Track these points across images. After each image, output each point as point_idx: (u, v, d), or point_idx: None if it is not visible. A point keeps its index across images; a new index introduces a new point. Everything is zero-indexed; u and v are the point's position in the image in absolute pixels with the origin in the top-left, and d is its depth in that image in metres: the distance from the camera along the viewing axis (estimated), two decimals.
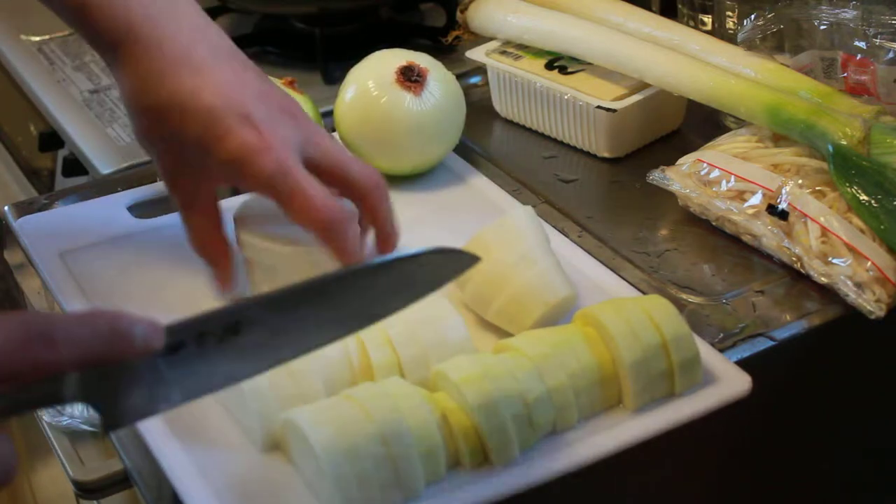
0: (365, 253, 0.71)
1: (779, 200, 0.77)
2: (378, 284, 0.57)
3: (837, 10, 0.88)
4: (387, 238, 0.73)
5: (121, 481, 0.71)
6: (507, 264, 0.71)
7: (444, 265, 0.59)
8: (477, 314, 0.73)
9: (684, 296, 0.77)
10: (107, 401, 0.53)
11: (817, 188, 0.78)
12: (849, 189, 0.76)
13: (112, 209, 0.86)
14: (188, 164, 0.71)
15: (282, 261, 0.73)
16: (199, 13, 0.74)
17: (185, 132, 0.69)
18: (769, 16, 0.91)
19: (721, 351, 0.71)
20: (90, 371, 0.51)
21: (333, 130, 0.88)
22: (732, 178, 0.80)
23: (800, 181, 0.78)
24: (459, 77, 0.91)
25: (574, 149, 0.95)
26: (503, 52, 0.97)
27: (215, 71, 0.70)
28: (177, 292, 0.77)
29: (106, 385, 0.52)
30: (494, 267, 0.71)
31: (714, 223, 0.83)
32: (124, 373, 0.53)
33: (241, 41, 1.13)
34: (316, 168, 0.70)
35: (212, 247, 0.74)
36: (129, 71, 0.71)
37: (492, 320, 0.72)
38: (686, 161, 0.84)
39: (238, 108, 0.69)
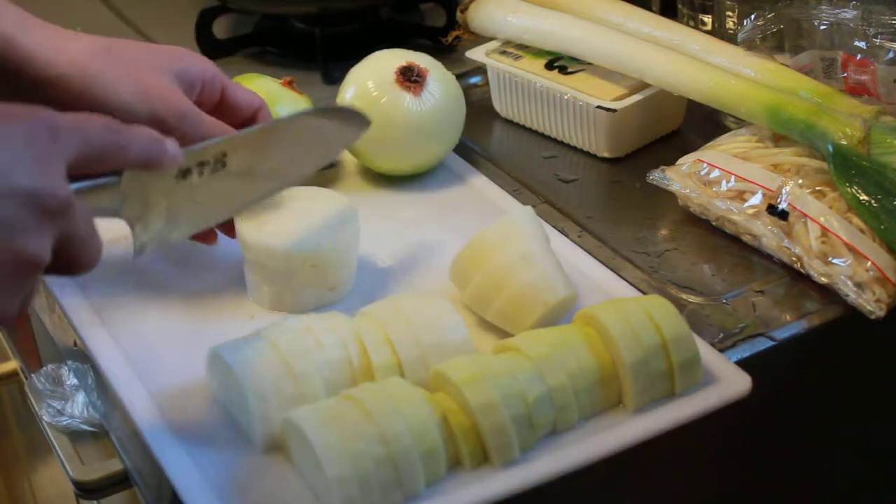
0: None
1: (779, 200, 0.77)
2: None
3: (837, 10, 0.88)
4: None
5: (121, 481, 0.71)
6: (507, 264, 0.71)
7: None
8: (477, 314, 0.73)
9: (684, 296, 0.77)
10: (140, 220, 0.65)
11: (817, 188, 0.78)
12: (849, 189, 0.76)
13: None
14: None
15: (280, 261, 0.73)
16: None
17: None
18: (769, 16, 0.91)
19: (721, 351, 0.71)
20: (136, 181, 0.62)
21: None
22: (732, 178, 0.80)
23: (800, 181, 0.78)
24: (459, 77, 0.91)
25: (574, 149, 0.95)
26: (503, 52, 0.97)
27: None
28: (177, 293, 0.77)
29: (142, 202, 0.64)
30: (494, 267, 0.71)
31: (714, 223, 0.83)
32: (154, 193, 0.64)
33: (241, 41, 1.13)
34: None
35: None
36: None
37: (492, 320, 0.72)
38: (686, 161, 0.84)
39: None
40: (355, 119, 0.74)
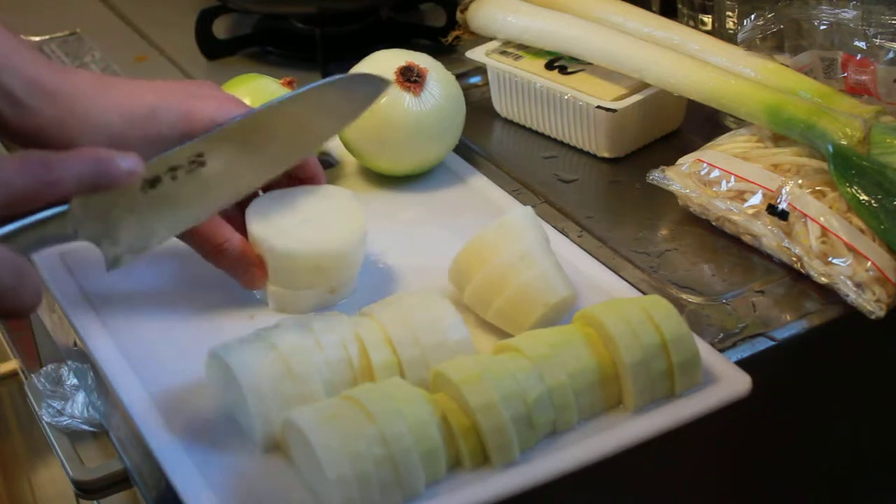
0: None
1: (779, 200, 0.77)
2: (306, 111, 0.70)
3: (837, 10, 0.88)
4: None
5: (121, 481, 0.71)
6: (507, 265, 0.71)
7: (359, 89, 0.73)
8: (477, 314, 0.73)
9: (684, 296, 0.77)
10: (105, 237, 0.64)
11: (817, 188, 0.78)
12: (849, 189, 0.76)
13: None
14: None
15: (284, 260, 0.73)
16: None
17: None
18: (769, 16, 0.91)
19: (721, 351, 0.71)
20: (88, 206, 0.61)
21: None
22: (732, 178, 0.80)
23: (800, 181, 0.78)
24: (459, 77, 0.91)
25: (574, 149, 0.95)
26: (503, 52, 0.97)
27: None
28: (177, 292, 0.77)
29: (102, 221, 0.63)
30: (494, 267, 0.71)
31: (714, 223, 0.83)
32: (116, 208, 0.63)
33: (241, 41, 1.13)
34: None
35: (219, 255, 0.73)
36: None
37: (491, 321, 0.72)
38: (686, 161, 0.84)
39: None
40: (365, 85, 0.74)
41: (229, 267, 0.73)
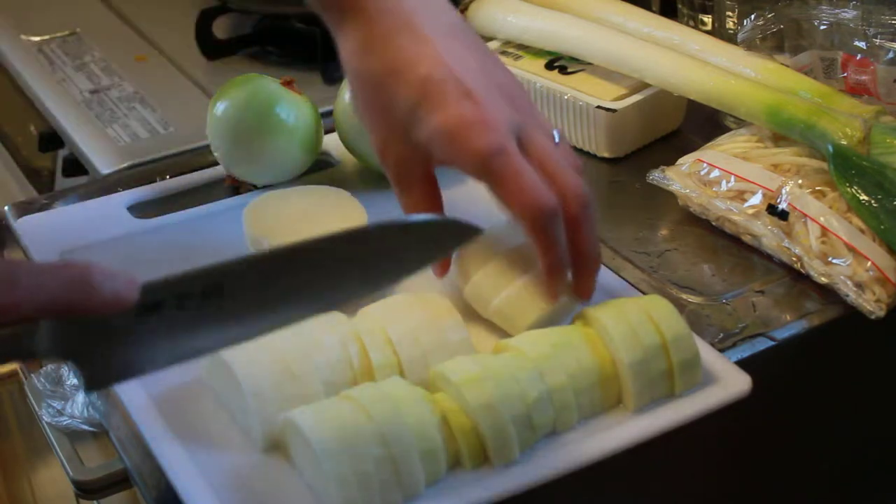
0: (568, 259, 0.67)
1: (779, 200, 0.77)
2: (377, 250, 0.55)
3: (837, 10, 0.88)
4: (581, 257, 0.68)
5: (121, 481, 0.71)
6: (507, 265, 0.71)
7: (446, 235, 0.58)
8: (476, 315, 0.73)
9: (684, 296, 0.77)
10: (86, 358, 0.52)
11: (817, 188, 0.78)
12: (849, 189, 0.76)
13: (112, 209, 0.86)
14: (401, 137, 0.68)
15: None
16: None
17: (399, 100, 0.66)
18: (769, 16, 0.91)
19: (721, 351, 0.71)
20: (64, 325, 0.50)
21: (333, 131, 0.88)
22: (732, 178, 0.80)
23: (800, 181, 0.78)
24: None
25: (574, 149, 0.94)
26: (503, 52, 0.97)
27: (437, 42, 0.67)
28: None
29: (83, 341, 0.51)
30: (495, 267, 0.71)
31: (714, 223, 0.83)
32: (101, 329, 0.51)
33: (241, 41, 1.13)
34: (524, 157, 0.66)
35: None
36: (351, 36, 0.69)
37: (490, 318, 0.72)
38: (686, 161, 0.84)
39: (457, 81, 0.65)
40: (450, 232, 0.59)
41: None
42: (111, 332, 0.52)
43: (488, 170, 0.65)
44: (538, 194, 0.64)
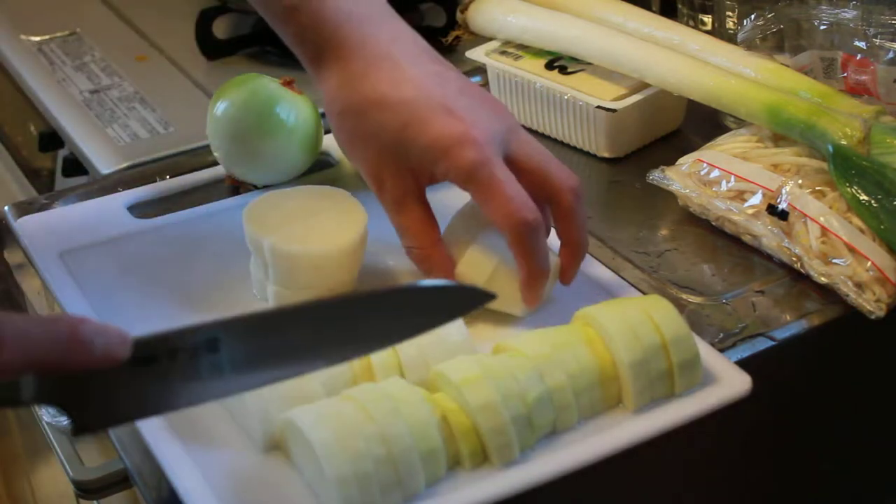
0: (549, 267, 0.70)
1: (779, 200, 0.77)
2: (382, 310, 0.56)
3: (837, 10, 0.88)
4: (575, 246, 0.72)
5: (121, 481, 0.70)
6: (488, 247, 0.72)
7: (456, 300, 0.58)
8: (476, 315, 0.73)
9: (684, 296, 0.77)
10: (73, 405, 0.51)
11: (817, 188, 0.78)
12: (849, 189, 0.76)
13: (112, 209, 0.86)
14: (392, 161, 0.71)
15: (284, 260, 0.73)
16: (395, 16, 0.75)
17: (386, 126, 0.69)
18: (769, 16, 0.91)
19: (721, 351, 0.71)
20: (53, 377, 0.49)
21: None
22: (732, 178, 0.80)
23: (800, 181, 0.78)
24: None
25: (574, 149, 0.95)
26: (503, 52, 0.97)
27: (415, 66, 0.71)
28: (177, 292, 0.77)
29: (70, 389, 0.51)
30: (475, 253, 0.72)
31: (714, 223, 0.83)
32: (90, 380, 0.51)
33: (241, 41, 1.13)
34: (515, 164, 0.70)
35: (427, 251, 0.72)
36: (333, 72, 0.72)
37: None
38: (686, 161, 0.84)
39: (439, 100, 0.69)
40: (458, 297, 0.59)
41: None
42: (101, 380, 0.51)
43: (473, 181, 0.68)
44: (519, 207, 0.67)
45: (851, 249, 0.75)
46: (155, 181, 0.89)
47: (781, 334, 0.74)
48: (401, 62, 0.71)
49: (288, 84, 0.87)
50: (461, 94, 0.71)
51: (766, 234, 0.78)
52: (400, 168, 0.71)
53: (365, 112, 0.70)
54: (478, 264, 0.72)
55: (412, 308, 0.57)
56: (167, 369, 0.52)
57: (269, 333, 0.54)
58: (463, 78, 0.73)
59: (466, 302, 0.59)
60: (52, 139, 1.07)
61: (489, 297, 0.59)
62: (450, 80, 0.72)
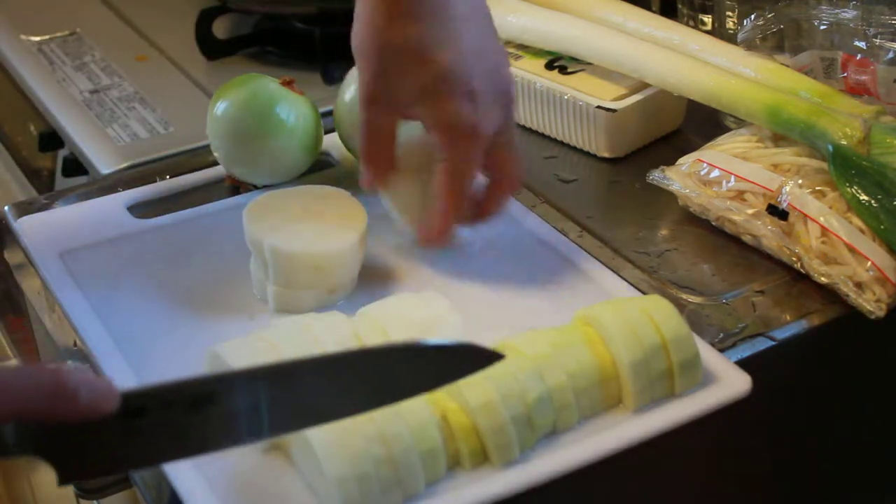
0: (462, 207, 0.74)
1: (779, 200, 0.77)
2: (387, 366, 0.55)
3: (837, 10, 0.88)
4: (505, 175, 0.76)
5: (121, 481, 0.71)
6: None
7: (463, 360, 0.57)
8: (475, 315, 0.73)
9: (684, 296, 0.77)
10: (58, 455, 0.50)
11: (817, 188, 0.78)
12: (849, 189, 0.76)
13: (112, 209, 0.86)
14: (391, 93, 0.72)
15: (284, 260, 0.73)
16: None
17: (410, 77, 0.71)
18: (769, 16, 0.91)
19: (721, 351, 0.71)
20: (34, 426, 0.49)
21: (333, 131, 0.88)
22: (732, 178, 0.80)
23: (800, 181, 0.78)
24: None
25: (574, 149, 0.94)
26: None
27: (464, 32, 0.71)
28: (177, 292, 0.77)
29: (55, 438, 0.49)
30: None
31: (714, 223, 0.83)
32: (77, 431, 0.49)
33: (241, 41, 1.13)
34: (491, 145, 0.74)
35: (376, 153, 0.75)
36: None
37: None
38: (686, 161, 0.84)
39: (466, 82, 0.71)
40: (466, 358, 0.57)
41: None
42: (87, 431, 0.50)
43: (449, 165, 0.73)
44: (462, 115, 0.71)
45: (851, 249, 0.75)
46: (155, 181, 0.89)
47: (781, 334, 0.74)
48: (448, 13, 0.71)
49: (288, 84, 0.87)
50: (487, 79, 0.72)
51: (766, 234, 0.78)
52: (392, 100, 0.73)
53: (399, 55, 0.71)
54: (410, 181, 0.76)
55: (419, 368, 0.56)
56: (159, 422, 0.51)
57: (272, 388, 0.53)
58: (496, 43, 0.74)
59: (474, 361, 0.58)
60: (52, 139, 1.07)
61: (498, 357, 0.58)
62: (486, 56, 0.73)
